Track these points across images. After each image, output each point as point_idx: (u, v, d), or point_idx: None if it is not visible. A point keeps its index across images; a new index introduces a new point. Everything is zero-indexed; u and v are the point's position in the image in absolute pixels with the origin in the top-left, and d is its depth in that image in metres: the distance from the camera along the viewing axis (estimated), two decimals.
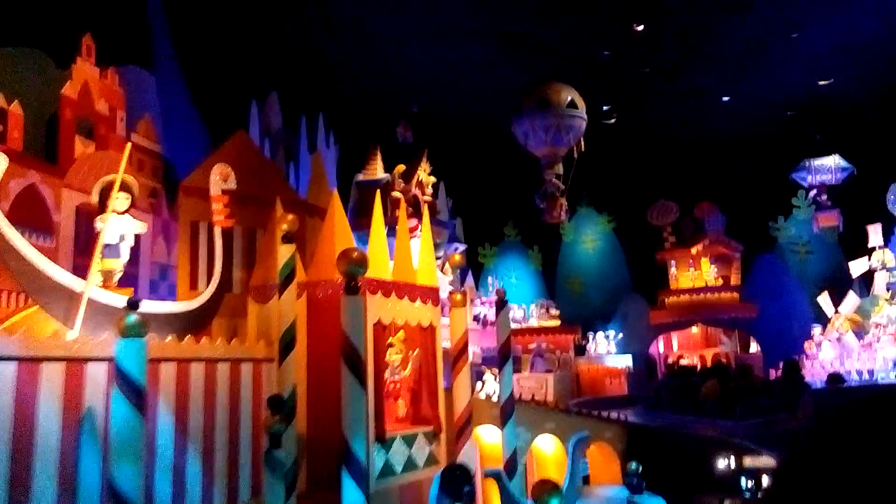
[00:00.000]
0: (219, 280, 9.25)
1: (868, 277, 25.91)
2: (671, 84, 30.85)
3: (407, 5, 27.01)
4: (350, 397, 7.69)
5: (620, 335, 32.18)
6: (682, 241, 32.93)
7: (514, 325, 30.30)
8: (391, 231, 16.60)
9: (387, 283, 9.78)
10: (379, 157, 18.11)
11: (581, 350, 31.47)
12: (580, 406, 20.77)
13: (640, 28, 24.79)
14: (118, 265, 8.93)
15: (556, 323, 31.82)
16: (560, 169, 23.65)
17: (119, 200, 8.67)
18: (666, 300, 32.81)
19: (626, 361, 30.87)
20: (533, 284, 35.19)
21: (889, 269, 24.12)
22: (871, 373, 21.04)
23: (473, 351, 16.12)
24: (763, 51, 28.61)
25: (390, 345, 10.13)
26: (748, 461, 10.49)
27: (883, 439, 10.45)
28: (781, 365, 19.36)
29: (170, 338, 7.71)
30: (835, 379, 19.55)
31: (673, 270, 32.85)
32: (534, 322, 30.78)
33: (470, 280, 28.00)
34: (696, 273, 32.15)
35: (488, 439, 11.82)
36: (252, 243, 10.70)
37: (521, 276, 35.16)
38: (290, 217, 8.98)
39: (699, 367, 30.15)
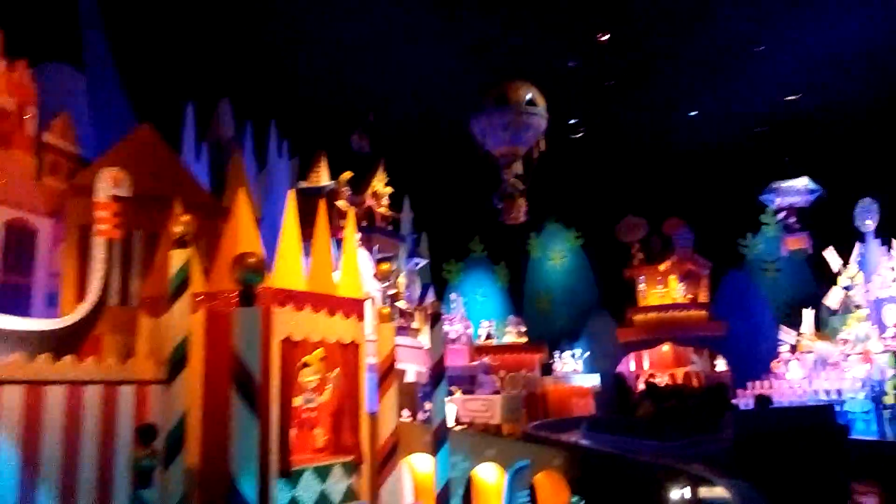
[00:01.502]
0: (98, 295, 8.07)
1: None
2: (638, 98, 30.37)
3: (371, 14, 26.25)
4: (239, 426, 6.59)
5: (588, 354, 31.41)
6: (651, 257, 32.35)
7: (479, 343, 29.46)
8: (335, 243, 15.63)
9: (300, 294, 8.69)
10: (324, 163, 17.11)
11: (548, 369, 30.59)
12: (538, 428, 19.81)
13: (605, 38, 24.14)
14: None
15: (523, 340, 31.00)
16: (519, 169, 22.85)
17: None
18: (634, 318, 32.12)
19: (593, 381, 30.03)
20: (499, 301, 34.25)
21: (849, 288, 23.57)
22: (839, 392, 20.32)
23: (418, 371, 15.06)
24: (730, 66, 28.25)
25: (305, 364, 9.01)
26: (704, 492, 9.49)
27: (783, 461, 10.10)
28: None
29: (13, 356, 6.55)
30: (762, 401, 18.93)
31: (641, 287, 32.20)
32: (502, 339, 29.99)
33: (431, 296, 26.94)
34: (665, 290, 31.53)
35: (423, 469, 10.72)
36: (154, 249, 9.58)
37: (488, 292, 34.23)
38: (185, 218, 7.89)
39: (670, 385, 29.47)
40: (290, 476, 8.20)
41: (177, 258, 7.91)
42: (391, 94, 29.57)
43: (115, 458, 7.38)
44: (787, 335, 25.64)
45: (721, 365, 31.51)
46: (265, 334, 8.25)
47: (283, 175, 21.88)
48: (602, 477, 11.67)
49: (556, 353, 30.68)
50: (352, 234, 9.88)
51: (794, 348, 24.88)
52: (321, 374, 9.21)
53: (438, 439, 9.92)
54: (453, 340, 25.84)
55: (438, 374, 10.14)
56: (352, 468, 9.27)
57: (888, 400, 18.14)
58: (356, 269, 9.80)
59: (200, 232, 9.59)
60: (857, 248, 24.06)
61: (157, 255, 9.11)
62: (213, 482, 7.94)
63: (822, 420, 11.96)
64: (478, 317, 31.09)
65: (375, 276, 9.76)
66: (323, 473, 8.79)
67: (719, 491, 8.95)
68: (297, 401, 8.88)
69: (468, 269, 34.40)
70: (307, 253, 15.83)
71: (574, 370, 31.00)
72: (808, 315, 25.31)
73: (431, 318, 10.36)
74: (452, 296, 28.96)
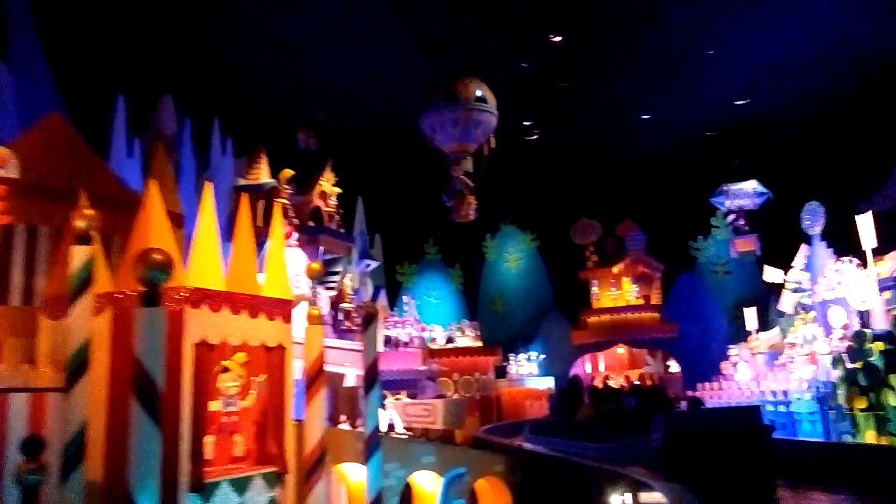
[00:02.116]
0: None
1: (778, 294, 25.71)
2: (593, 101, 30.42)
3: (321, 9, 25.64)
4: (139, 436, 6.06)
5: (542, 356, 31.33)
6: (605, 260, 32.43)
7: (434, 346, 29.03)
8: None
9: (217, 294, 8.13)
10: (265, 160, 16.48)
11: (502, 372, 30.39)
12: (489, 432, 19.48)
13: (558, 39, 24.01)
14: None
15: (478, 344, 30.72)
16: (469, 166, 22.53)
17: None
18: (588, 320, 32.13)
19: (547, 383, 29.92)
20: (454, 304, 33.93)
21: (799, 290, 23.85)
22: (785, 393, 20.47)
23: (359, 374, 14.55)
24: (683, 70, 28.46)
25: (225, 369, 8.44)
26: (644, 497, 9.23)
27: (709, 460, 10.30)
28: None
29: None
30: (693, 402, 19.05)
31: (595, 290, 32.23)
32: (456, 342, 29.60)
33: (383, 298, 26.43)
34: (618, 292, 31.60)
35: (356, 478, 10.23)
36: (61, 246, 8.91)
37: (442, 295, 33.88)
38: (89, 212, 7.26)
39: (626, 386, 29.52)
40: (204, 489, 7.64)
41: (78, 255, 7.27)
42: (344, 93, 29.04)
43: (3, 473, 6.74)
44: (751, 319, 25.84)
45: (675, 366, 31.74)
46: (175, 337, 7.69)
47: (228, 174, 21.14)
48: (543, 482, 11.37)
49: (511, 356, 30.52)
50: (279, 231, 9.35)
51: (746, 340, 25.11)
52: (243, 380, 8.66)
53: (370, 447, 9.46)
54: (405, 344, 25.40)
55: (371, 379, 9.68)
56: (275, 479, 8.73)
57: (832, 401, 18.30)
58: (283, 268, 9.28)
59: (115, 228, 8.98)
60: (803, 250, 24.39)
61: (58, 252, 8.46)
62: (116, 498, 7.34)
63: (747, 420, 12.17)
64: (431, 320, 30.68)
65: (307, 274, 9.23)
66: (242, 485, 8.23)
67: (657, 496, 8.68)
68: (216, 405, 8.31)
69: (422, 271, 33.99)
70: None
71: (529, 373, 30.87)
72: (750, 314, 25.59)
73: (365, 320, 9.89)
74: (405, 298, 28.45)
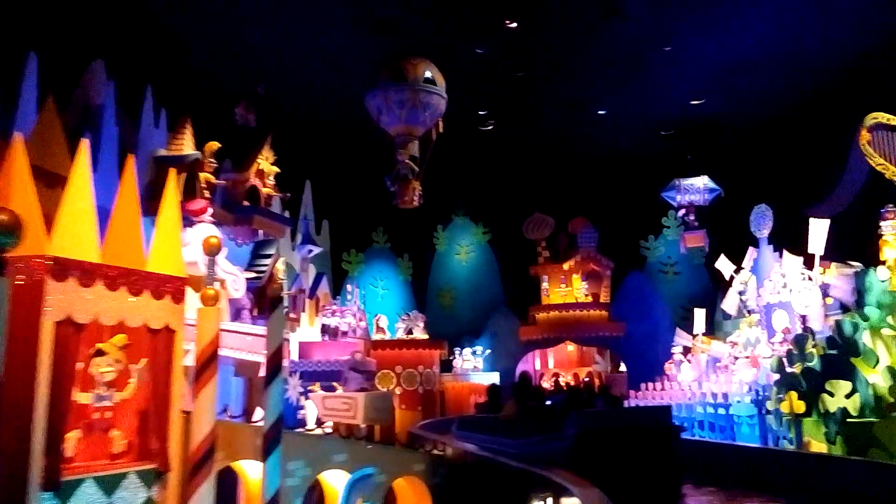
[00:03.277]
0: None
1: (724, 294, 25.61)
2: (549, 93, 29.81)
3: None
4: None
5: (489, 351, 30.83)
6: (556, 256, 32.03)
7: (377, 337, 28.16)
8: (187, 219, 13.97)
9: (88, 266, 7.17)
10: (189, 131, 15.37)
11: (447, 366, 29.76)
12: (426, 428, 18.76)
13: (514, 25, 23.31)
14: None
15: (423, 336, 29.98)
16: (415, 150, 21.73)
17: None
18: (536, 316, 31.72)
19: (493, 378, 29.42)
20: (401, 295, 33.08)
21: (742, 293, 23.74)
22: (725, 396, 20.24)
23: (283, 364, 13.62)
24: (640, 66, 28.00)
25: (99, 352, 7.49)
26: (564, 503, 8.63)
27: (616, 458, 10.21)
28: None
29: None
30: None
31: (545, 286, 31.79)
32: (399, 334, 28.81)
33: (324, 286, 25.45)
34: (568, 289, 31.23)
35: (256, 477, 9.35)
36: None
37: (389, 285, 33.00)
38: None
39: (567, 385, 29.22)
40: (60, 488, 6.70)
41: None
42: (294, 70, 27.82)
43: None
44: (681, 338, 25.71)
45: (624, 365, 31.58)
46: (31, 313, 6.73)
47: (160, 146, 19.88)
48: (465, 483, 10.72)
49: (458, 350, 29.92)
50: (172, 201, 8.40)
51: (687, 350, 24.93)
52: (122, 366, 7.71)
53: (269, 443, 8.61)
54: (344, 333, 24.46)
55: (274, 369, 8.81)
56: (153, 477, 7.82)
57: (770, 405, 18.08)
58: (175, 241, 8.34)
59: None
60: (750, 252, 24.27)
61: None
62: None
63: (657, 420, 12.16)
64: (377, 310, 29.82)
65: (204, 250, 8.30)
66: (111, 484, 7.30)
67: (575, 502, 8.09)
68: (86, 398, 7.36)
69: (369, 260, 33.04)
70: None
71: (474, 367, 30.33)
72: (699, 315, 25.46)
73: (270, 303, 9.02)
74: (348, 287, 27.51)
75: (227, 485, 10.15)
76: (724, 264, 25.27)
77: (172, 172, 8.69)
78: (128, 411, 7.83)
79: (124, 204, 7.79)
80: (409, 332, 28.63)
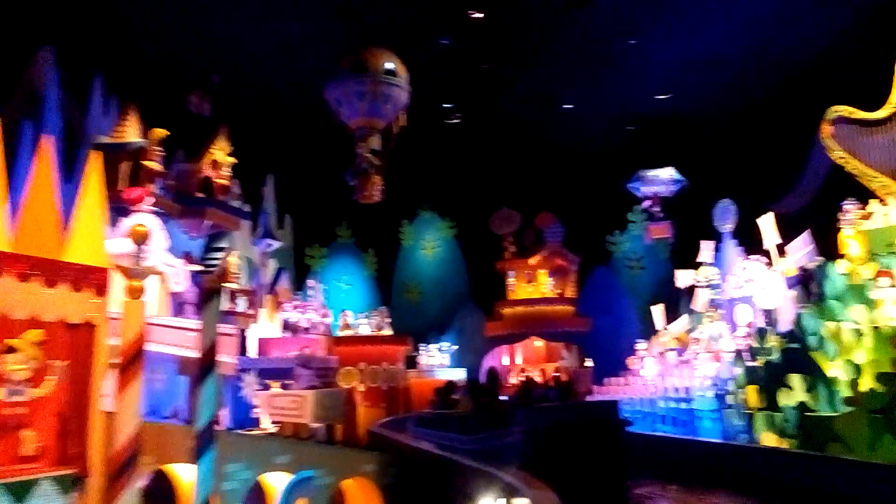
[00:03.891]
0: None
1: (692, 294, 25.59)
2: (515, 87, 29.55)
3: None
4: None
5: (455, 347, 30.47)
6: (523, 251, 31.76)
7: (342, 334, 27.61)
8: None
9: None
10: (133, 118, 14.70)
11: (412, 362, 29.35)
12: (385, 426, 18.36)
13: (480, 16, 22.91)
14: None
15: (388, 332, 29.51)
16: (376, 143, 21.10)
17: None
18: (503, 311, 31.45)
19: (459, 375, 29.10)
20: (366, 290, 32.58)
21: (712, 287, 23.72)
22: (687, 390, 20.17)
23: (226, 361, 13.11)
24: (606, 60, 27.89)
25: (10, 349, 6.91)
26: (515, 503, 8.28)
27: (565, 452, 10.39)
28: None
29: None
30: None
31: (511, 281, 31.51)
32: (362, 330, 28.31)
33: (284, 281, 24.84)
34: (534, 285, 31.00)
35: (190, 480, 8.84)
36: None
37: (353, 280, 32.46)
38: None
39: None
40: None
41: None
42: (259, 60, 27.17)
43: None
44: (658, 317, 25.71)
45: (590, 361, 31.48)
46: None
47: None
48: (416, 483, 10.31)
49: (423, 346, 29.53)
50: (94, 185, 7.83)
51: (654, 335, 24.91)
52: (38, 363, 7.14)
53: (201, 445, 8.08)
54: (306, 330, 23.89)
55: (207, 365, 8.27)
56: (71, 483, 7.25)
57: (731, 399, 18.01)
58: (97, 229, 7.78)
59: None
60: (707, 246, 24.37)
61: None
62: None
63: (605, 415, 12.17)
64: (341, 305, 29.27)
65: (131, 238, 7.73)
66: (21, 491, 6.72)
67: (525, 502, 7.75)
68: None
69: (333, 255, 32.46)
70: (113, 223, 13.47)
71: (440, 364, 29.95)
72: (657, 311, 25.44)
73: (204, 297, 8.48)
74: (310, 282, 26.91)
75: (165, 490, 9.64)
76: (683, 277, 25.31)
77: (96, 157, 8.11)
78: (44, 411, 7.25)
79: (38, 189, 7.21)
80: (379, 328, 28.17)
